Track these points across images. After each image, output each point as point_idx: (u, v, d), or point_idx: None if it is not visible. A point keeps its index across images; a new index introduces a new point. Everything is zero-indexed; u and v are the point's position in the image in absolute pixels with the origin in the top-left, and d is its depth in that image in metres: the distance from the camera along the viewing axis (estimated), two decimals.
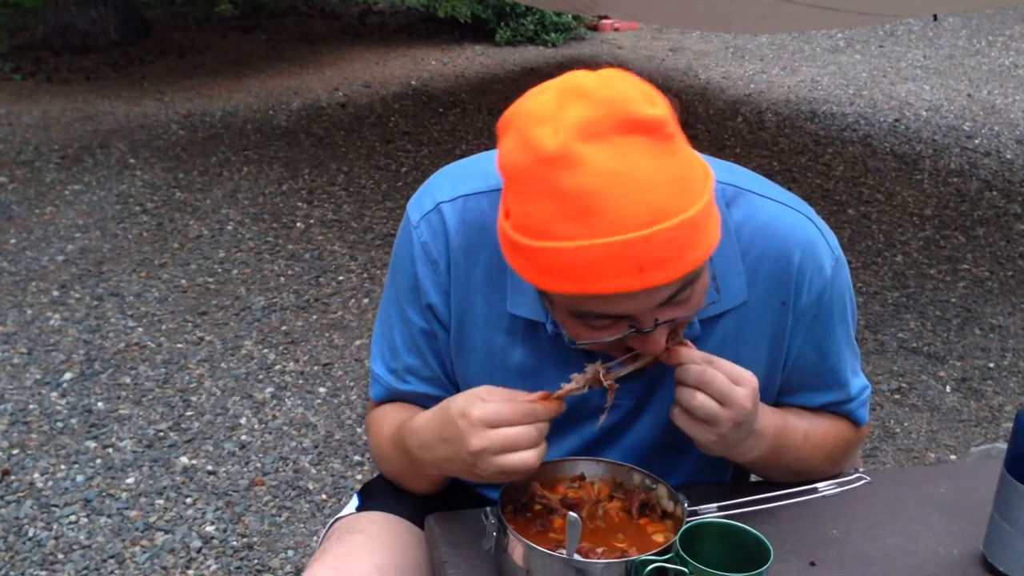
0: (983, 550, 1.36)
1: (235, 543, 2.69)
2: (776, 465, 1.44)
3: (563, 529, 1.32)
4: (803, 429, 1.45)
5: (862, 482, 1.35)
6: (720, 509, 1.32)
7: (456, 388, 1.51)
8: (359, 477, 2.96)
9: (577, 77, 1.19)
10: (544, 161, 1.14)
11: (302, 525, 2.77)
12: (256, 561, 2.63)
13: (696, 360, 1.27)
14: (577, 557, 1.20)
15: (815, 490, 1.34)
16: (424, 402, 1.52)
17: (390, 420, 1.49)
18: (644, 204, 1.13)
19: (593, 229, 1.13)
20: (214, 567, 2.60)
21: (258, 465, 3.00)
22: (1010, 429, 3.71)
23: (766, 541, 1.20)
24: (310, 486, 2.92)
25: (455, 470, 1.29)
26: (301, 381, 3.44)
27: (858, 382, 1.53)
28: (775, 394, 1.48)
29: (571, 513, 1.19)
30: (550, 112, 1.16)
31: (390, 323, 1.52)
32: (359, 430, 3.18)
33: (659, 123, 1.15)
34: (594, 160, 1.12)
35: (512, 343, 1.43)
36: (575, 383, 1.28)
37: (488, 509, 1.28)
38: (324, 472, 2.99)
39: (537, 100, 1.19)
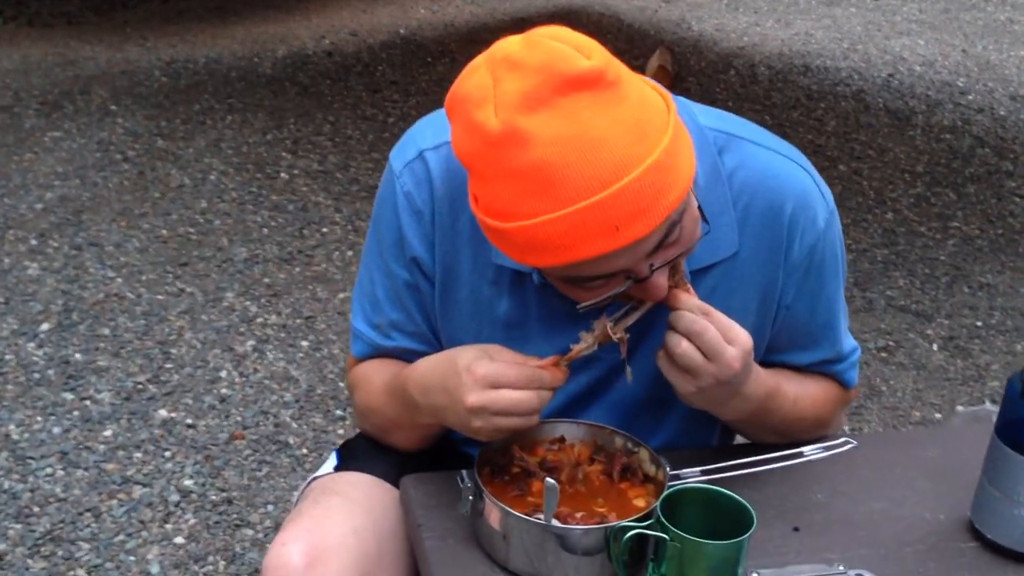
0: (971, 516, 1.33)
1: (214, 497, 2.66)
2: (761, 425, 1.40)
3: (541, 493, 1.28)
4: (793, 393, 1.41)
5: (849, 446, 1.31)
6: (704, 474, 1.28)
7: (440, 344, 1.47)
8: (340, 432, 2.93)
9: (504, 46, 1.14)
10: (492, 144, 1.10)
11: (282, 480, 2.74)
12: (235, 516, 2.60)
13: (692, 308, 1.23)
14: (555, 523, 1.17)
15: (800, 454, 1.31)
16: (409, 358, 1.48)
17: (381, 373, 1.45)
18: (603, 162, 1.09)
19: (558, 200, 1.09)
20: (192, 521, 2.58)
21: (238, 419, 2.96)
22: (996, 388, 3.70)
23: (749, 507, 1.16)
24: (291, 440, 2.89)
25: (450, 421, 1.27)
26: (283, 334, 3.39)
27: (848, 342, 1.49)
28: (764, 351, 1.45)
29: (548, 479, 1.15)
30: (486, 91, 1.12)
31: (372, 277, 1.47)
32: (341, 384, 3.14)
33: (598, 73, 1.10)
34: (541, 131, 1.08)
35: (498, 294, 1.39)
36: (584, 343, 1.25)
37: (464, 472, 1.24)
38: (305, 427, 2.95)
39: (472, 81, 1.15)
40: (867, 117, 5.82)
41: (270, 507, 2.64)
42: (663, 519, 1.15)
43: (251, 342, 3.33)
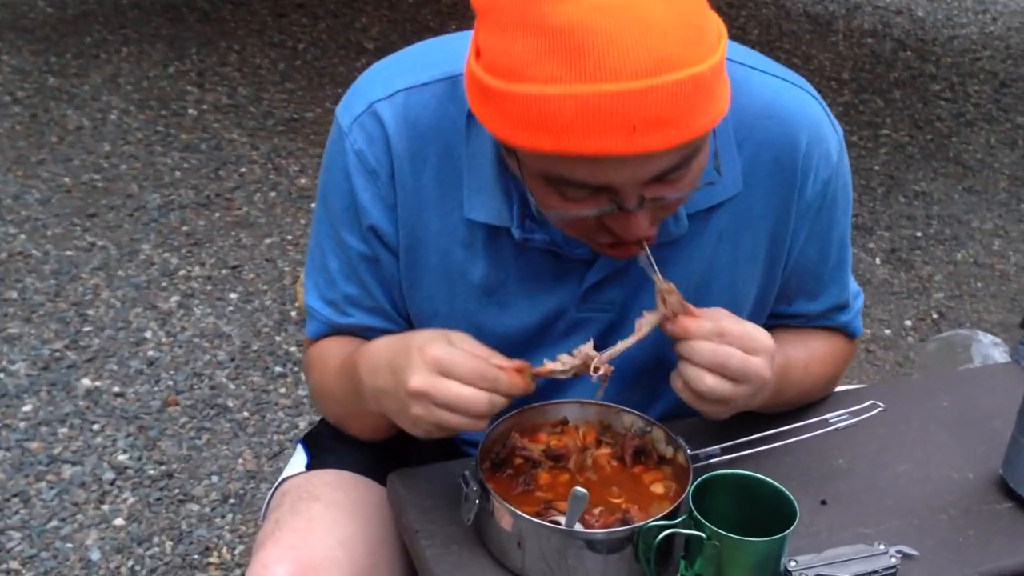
0: (1002, 473, 1.24)
1: (152, 472, 2.48)
2: (776, 403, 1.29)
3: (550, 486, 1.16)
4: (803, 361, 1.30)
5: (877, 410, 1.21)
6: (724, 452, 1.17)
7: (407, 320, 1.32)
8: (282, 391, 2.76)
9: None
10: None
11: (225, 447, 2.57)
12: (177, 490, 2.44)
13: (706, 335, 1.09)
14: (578, 527, 1.04)
15: (826, 423, 1.20)
16: (370, 335, 1.32)
17: (337, 351, 1.29)
18: (647, 49, 0.93)
19: (581, 72, 0.93)
20: (131, 500, 2.40)
21: (170, 383, 2.77)
22: (941, 300, 3.67)
23: (788, 494, 1.05)
24: (230, 403, 2.71)
25: (388, 407, 1.11)
26: (209, 287, 3.18)
27: (853, 286, 1.39)
28: (772, 301, 1.33)
29: (578, 488, 1.02)
30: None
31: (323, 249, 1.30)
32: (278, 338, 2.96)
33: None
34: None
35: (472, 257, 1.24)
36: (560, 365, 1.10)
37: (466, 473, 1.10)
38: (244, 387, 2.78)
39: None
40: (789, 24, 5.72)
41: (214, 478, 2.48)
42: (697, 515, 1.03)
43: (175, 297, 3.12)
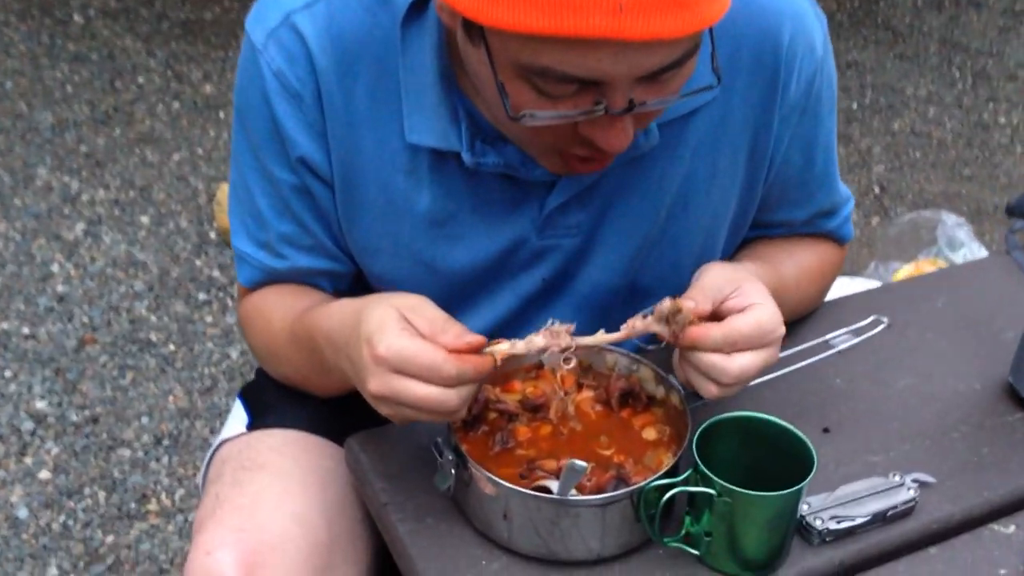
0: (1011, 381, 1.15)
1: (75, 418, 2.31)
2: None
3: (531, 441, 1.03)
4: (794, 277, 1.19)
5: (880, 327, 1.10)
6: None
7: (351, 258, 1.16)
8: (209, 319, 2.59)
9: None
10: None
11: (152, 385, 2.40)
12: (105, 435, 2.27)
13: (715, 345, 0.96)
14: (573, 495, 0.91)
15: (828, 345, 1.09)
16: (314, 279, 1.17)
17: (280, 310, 1.14)
18: None
19: None
20: (55, 450, 2.23)
21: (84, 320, 2.57)
22: (881, 173, 3.60)
23: (803, 437, 0.94)
24: (153, 337, 2.53)
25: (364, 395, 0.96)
26: (117, 211, 2.95)
27: (843, 190, 1.27)
28: (752, 215, 1.21)
29: (575, 461, 0.89)
30: None
31: (248, 184, 1.13)
32: (198, 262, 2.76)
33: None
34: None
35: (416, 185, 1.09)
36: (524, 347, 0.95)
37: (439, 440, 0.97)
38: (166, 318, 2.59)
39: None
40: None
41: (144, 419, 2.31)
42: (704, 469, 0.91)
43: (80, 225, 2.88)
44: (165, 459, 2.22)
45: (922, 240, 2.20)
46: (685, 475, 0.93)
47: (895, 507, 1.00)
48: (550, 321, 0.96)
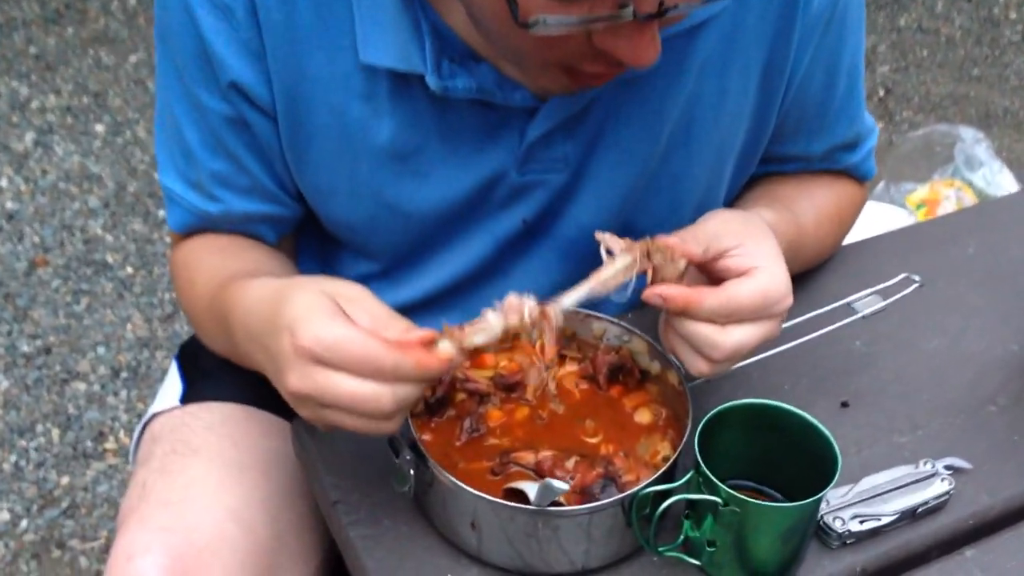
0: None
1: (26, 348, 2.16)
2: (795, 272, 1.02)
3: (505, 428, 0.89)
4: (812, 222, 1.03)
5: (912, 287, 0.95)
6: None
7: (300, 200, 1.00)
8: (168, 240, 2.42)
9: None
10: None
11: (109, 311, 2.25)
12: (58, 367, 2.13)
13: (712, 315, 0.81)
14: (553, 485, 0.77)
15: (850, 310, 0.94)
16: (253, 226, 1.01)
17: (204, 271, 0.98)
18: None
19: None
20: (4, 384, 2.09)
21: (35, 240, 2.40)
22: (886, 74, 3.40)
23: (826, 433, 0.80)
24: (109, 259, 2.36)
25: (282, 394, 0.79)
26: (70, 119, 2.74)
27: (867, 120, 1.10)
28: (764, 146, 1.04)
29: (552, 481, 0.74)
30: None
31: (174, 114, 0.97)
32: (157, 175, 2.58)
33: None
34: None
35: (375, 114, 0.92)
36: (483, 337, 0.78)
37: (396, 437, 0.82)
38: (123, 237, 2.42)
39: None
40: None
41: (100, 349, 2.17)
42: (707, 472, 0.77)
43: (30, 135, 2.68)
44: (123, 393, 2.08)
45: (937, 157, 2.03)
46: (686, 478, 0.79)
47: (926, 503, 0.86)
48: (503, 300, 0.79)
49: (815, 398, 0.97)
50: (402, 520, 0.86)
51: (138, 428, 1.07)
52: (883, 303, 0.94)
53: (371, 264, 1.05)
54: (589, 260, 1.02)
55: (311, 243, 1.10)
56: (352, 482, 0.88)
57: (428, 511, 0.85)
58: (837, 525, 0.84)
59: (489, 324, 0.77)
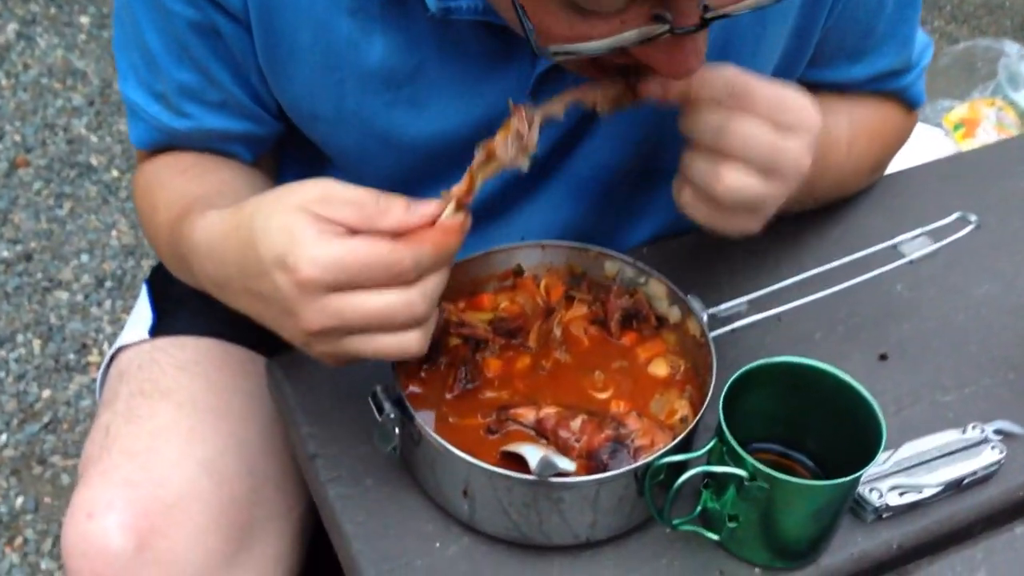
0: None
1: (6, 254, 2.06)
2: (803, 201, 0.91)
3: (503, 379, 0.79)
4: (846, 137, 0.91)
5: (968, 228, 0.84)
6: (751, 306, 0.80)
7: (280, 116, 0.89)
8: None
9: None
10: None
11: (93, 216, 2.14)
12: (40, 275, 2.03)
13: (717, 95, 0.68)
14: (552, 458, 0.67)
15: (897, 253, 0.83)
16: (228, 145, 0.90)
17: (165, 195, 0.87)
18: None
19: None
20: None
21: (16, 139, 2.28)
22: None
23: (871, 402, 0.70)
24: (93, 161, 2.25)
25: (275, 328, 0.70)
26: (53, 10, 2.59)
27: (921, 38, 0.97)
28: (801, 70, 0.92)
29: (552, 457, 0.65)
30: None
31: (135, 16, 0.85)
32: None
33: None
34: None
35: (365, 31, 0.80)
36: (481, 158, 0.68)
37: (377, 389, 0.72)
38: (108, 138, 2.30)
39: None
40: None
41: (84, 257, 2.06)
42: (732, 442, 0.67)
43: (12, 26, 2.54)
44: (108, 303, 1.99)
45: (978, 74, 1.89)
46: (707, 447, 0.69)
47: (974, 473, 0.77)
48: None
49: (850, 350, 0.87)
50: (387, 480, 0.77)
51: (104, 361, 0.97)
52: (934, 246, 0.83)
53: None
54: (602, 201, 0.91)
55: (296, 159, 0.98)
56: (333, 433, 0.79)
57: (415, 473, 0.75)
58: (874, 498, 0.75)
59: (480, 155, 0.68)
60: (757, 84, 0.69)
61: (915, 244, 0.83)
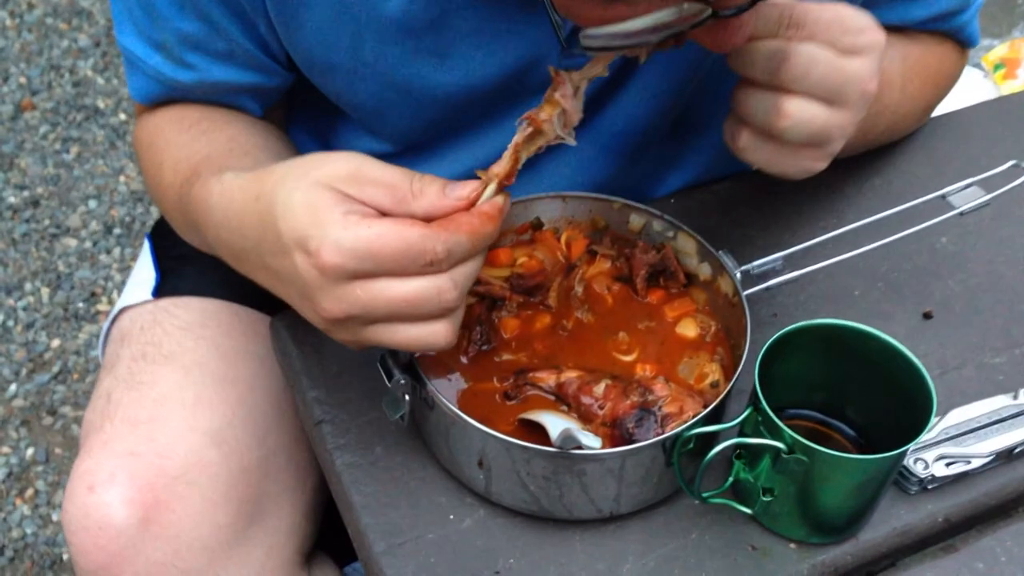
0: None
1: (12, 200, 2.01)
2: (855, 145, 0.85)
3: (522, 340, 0.75)
4: (899, 79, 0.85)
5: (1022, 178, 0.78)
6: (787, 262, 0.74)
7: (290, 67, 0.83)
8: None
9: None
10: None
11: (101, 161, 2.09)
12: (47, 221, 1.98)
13: (771, 27, 0.62)
14: (573, 429, 0.62)
15: (948, 205, 0.77)
16: (235, 98, 0.84)
17: (172, 152, 0.81)
18: None
19: None
20: None
21: (21, 80, 2.22)
22: None
23: (921, 369, 0.64)
24: (100, 104, 2.19)
25: (306, 318, 0.64)
26: None
27: None
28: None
29: (575, 431, 0.60)
30: None
31: None
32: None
33: None
34: None
35: None
36: (522, 135, 0.62)
37: (387, 355, 0.67)
38: (116, 80, 2.24)
39: None
40: None
41: (92, 203, 2.02)
42: (769, 412, 0.62)
43: None
44: (116, 251, 1.95)
45: (1018, 11, 1.80)
46: (741, 417, 0.64)
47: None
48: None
49: (892, 307, 0.82)
50: (398, 448, 0.72)
51: (106, 322, 0.93)
52: (986, 196, 0.77)
53: (382, 143, 0.87)
54: (631, 156, 0.85)
55: (306, 113, 0.92)
56: (341, 398, 0.75)
57: (428, 442, 0.71)
58: (919, 468, 0.70)
59: (524, 131, 0.62)
60: (813, 8, 0.63)
61: (965, 195, 0.77)
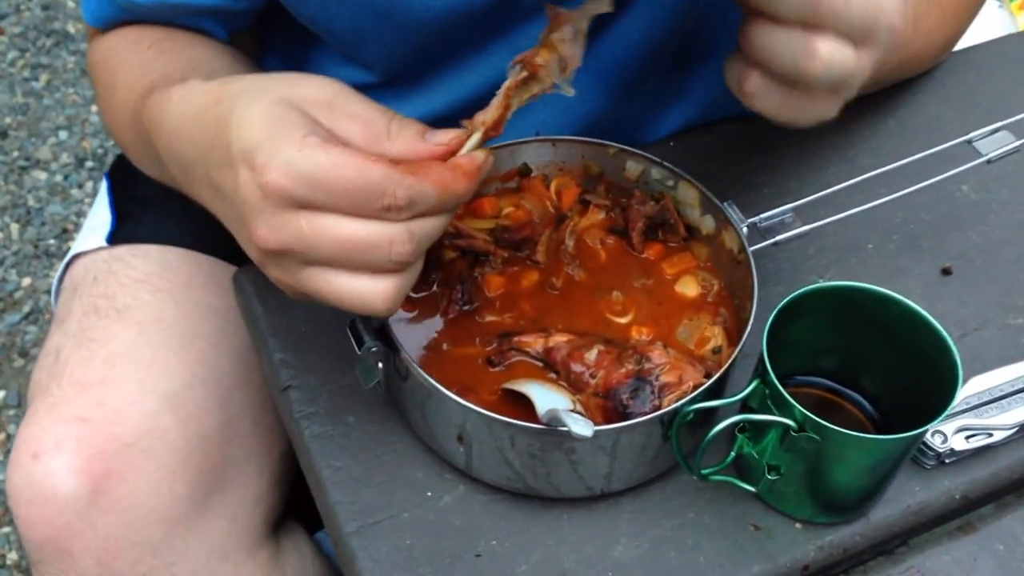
0: None
1: None
2: (879, 79, 0.78)
3: (507, 300, 0.68)
4: (911, 13, 0.77)
5: None
6: (797, 213, 0.68)
7: None
8: None
9: None
10: None
11: (71, 90, 2.00)
12: (16, 154, 1.90)
13: None
14: (561, 405, 0.56)
15: (974, 152, 0.70)
16: (196, 20, 0.77)
17: (126, 75, 0.74)
18: None
19: None
20: None
21: None
22: None
23: (944, 335, 0.59)
24: (71, 28, 2.09)
25: (243, 247, 0.57)
26: None
27: None
28: None
29: (563, 414, 0.53)
30: None
31: None
32: None
33: None
34: None
35: None
36: (514, 79, 0.55)
37: (358, 319, 0.61)
38: None
39: None
40: None
41: (63, 133, 1.93)
42: (776, 384, 0.56)
43: None
44: (88, 185, 1.87)
45: None
46: (747, 390, 0.59)
47: None
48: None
49: (908, 262, 0.75)
50: (371, 417, 0.66)
51: (60, 268, 0.86)
52: (1016, 143, 0.70)
53: (364, 73, 0.80)
54: (632, 86, 0.78)
55: (281, 37, 0.85)
56: (310, 361, 0.69)
57: (404, 413, 0.65)
58: (937, 442, 0.64)
59: (516, 75, 0.55)
60: None
61: (994, 140, 0.70)
